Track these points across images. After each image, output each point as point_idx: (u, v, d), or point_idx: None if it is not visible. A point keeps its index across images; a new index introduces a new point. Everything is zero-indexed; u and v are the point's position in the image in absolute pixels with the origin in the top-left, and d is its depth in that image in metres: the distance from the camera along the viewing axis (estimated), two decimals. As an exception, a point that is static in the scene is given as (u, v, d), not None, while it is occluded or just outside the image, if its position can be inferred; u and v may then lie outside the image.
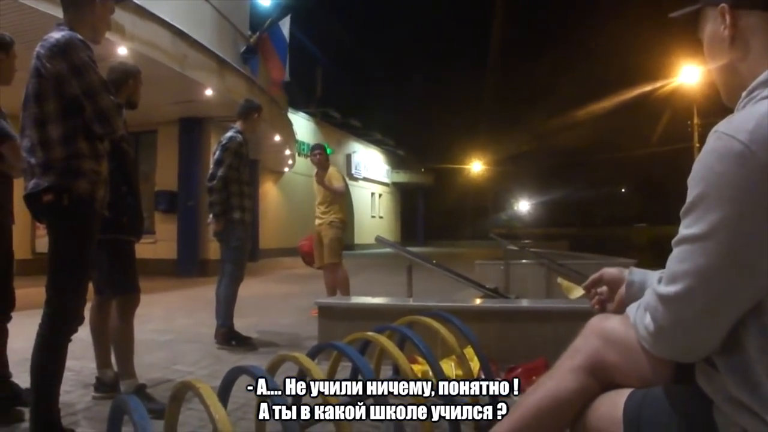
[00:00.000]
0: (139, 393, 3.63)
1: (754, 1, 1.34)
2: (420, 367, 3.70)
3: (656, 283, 1.33)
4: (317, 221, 7.61)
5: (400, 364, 2.50)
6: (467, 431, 2.98)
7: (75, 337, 2.97)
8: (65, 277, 2.92)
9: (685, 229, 1.23)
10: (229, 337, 5.56)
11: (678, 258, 1.25)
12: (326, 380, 2.04)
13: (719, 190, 1.15)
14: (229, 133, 5.81)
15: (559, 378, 1.51)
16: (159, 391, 3.90)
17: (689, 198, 1.22)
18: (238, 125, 5.92)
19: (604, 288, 1.74)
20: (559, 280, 2.29)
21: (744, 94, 1.29)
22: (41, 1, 7.13)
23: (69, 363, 4.36)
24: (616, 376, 1.46)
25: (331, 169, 7.74)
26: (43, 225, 2.98)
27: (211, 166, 5.77)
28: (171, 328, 6.65)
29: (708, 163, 1.18)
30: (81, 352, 4.29)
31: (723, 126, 1.19)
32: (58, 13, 3.17)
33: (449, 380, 2.41)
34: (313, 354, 2.51)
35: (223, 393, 2.14)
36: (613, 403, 1.41)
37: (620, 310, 1.60)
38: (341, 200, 7.73)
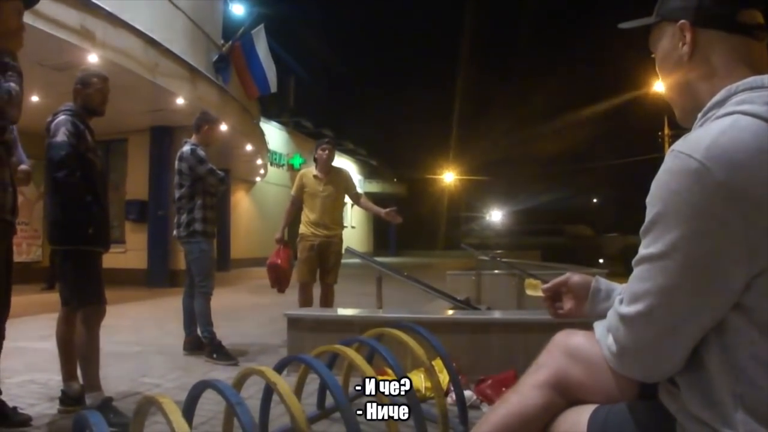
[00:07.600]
0: (105, 406, 3.58)
1: (717, 21, 1.33)
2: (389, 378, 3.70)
3: (617, 303, 1.33)
4: (326, 232, 6.42)
5: (369, 377, 2.50)
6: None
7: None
8: None
9: (644, 249, 1.23)
10: (213, 348, 5.46)
11: (638, 278, 1.24)
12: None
13: (677, 208, 1.15)
14: (187, 147, 5.73)
15: (524, 394, 1.50)
16: (126, 404, 3.85)
17: (648, 217, 1.21)
18: (193, 139, 5.87)
19: (564, 302, 1.71)
20: (527, 281, 2.32)
21: (699, 115, 1.29)
22: None
23: (35, 375, 4.32)
24: (581, 392, 1.45)
25: (344, 172, 6.72)
26: None
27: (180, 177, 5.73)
28: (140, 339, 6.58)
29: (665, 182, 1.19)
30: (47, 364, 4.23)
31: (679, 145, 1.19)
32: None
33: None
34: (280, 367, 2.49)
35: (189, 407, 2.13)
36: (577, 420, 1.40)
37: (579, 314, 1.62)
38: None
